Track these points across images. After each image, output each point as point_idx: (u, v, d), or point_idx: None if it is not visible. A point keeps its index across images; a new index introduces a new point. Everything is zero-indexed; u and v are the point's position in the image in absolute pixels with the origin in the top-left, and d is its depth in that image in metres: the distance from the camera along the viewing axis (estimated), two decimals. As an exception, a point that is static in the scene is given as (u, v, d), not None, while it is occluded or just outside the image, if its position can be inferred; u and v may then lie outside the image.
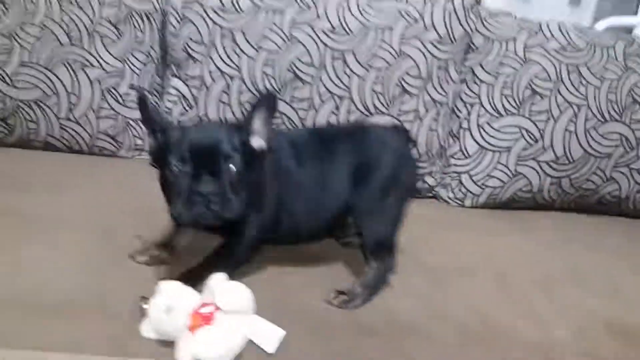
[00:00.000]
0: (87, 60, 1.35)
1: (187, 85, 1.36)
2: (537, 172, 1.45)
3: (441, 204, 1.50)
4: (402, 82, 1.39)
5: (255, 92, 1.34)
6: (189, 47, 1.34)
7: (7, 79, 1.31)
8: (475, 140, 1.46)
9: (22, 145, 1.39)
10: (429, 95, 1.41)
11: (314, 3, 1.37)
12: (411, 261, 1.11)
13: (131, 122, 1.41)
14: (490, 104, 1.44)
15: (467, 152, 1.46)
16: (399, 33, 1.38)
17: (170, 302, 0.81)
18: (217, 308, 0.82)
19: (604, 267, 1.22)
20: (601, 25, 2.15)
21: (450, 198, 1.49)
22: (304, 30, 1.34)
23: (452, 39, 1.41)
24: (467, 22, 1.43)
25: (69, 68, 1.34)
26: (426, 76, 1.40)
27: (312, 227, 1.01)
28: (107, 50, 1.37)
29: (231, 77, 1.33)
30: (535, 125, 1.43)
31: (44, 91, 1.33)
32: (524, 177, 1.46)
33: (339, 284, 0.98)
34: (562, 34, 1.46)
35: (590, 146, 1.46)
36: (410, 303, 0.98)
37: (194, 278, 0.89)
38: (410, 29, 1.39)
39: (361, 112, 1.38)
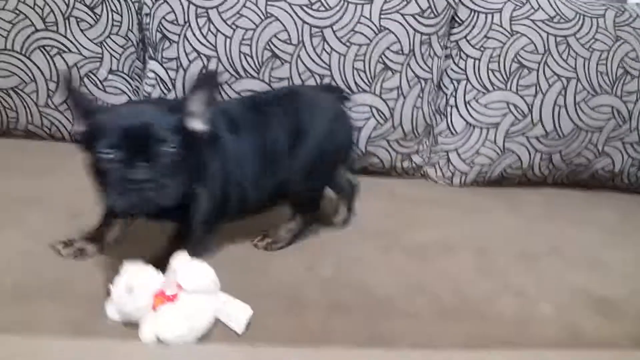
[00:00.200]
0: (64, 46, 1.34)
1: (163, 67, 1.33)
2: (527, 148, 1.42)
3: (429, 183, 1.47)
4: (384, 59, 1.35)
5: (233, 72, 1.32)
6: (164, 27, 1.31)
7: (-18, 67, 1.31)
8: (462, 117, 1.42)
9: (4, 134, 1.38)
10: (413, 71, 1.37)
11: (290, -22, 1.33)
12: (392, 239, 1.10)
13: (111, 107, 1.39)
14: (476, 79, 1.41)
15: (455, 130, 1.43)
16: (378, 7, 1.34)
17: (133, 282, 0.79)
18: (181, 288, 0.80)
19: (590, 241, 1.18)
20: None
21: (438, 177, 1.46)
22: (281, 7, 1.31)
23: (435, 12, 1.37)
24: (451, -6, 1.39)
25: (46, 54, 1.33)
26: (408, 51, 1.36)
27: (260, 197, 0.99)
28: (84, 35, 1.35)
29: (208, 58, 1.31)
30: (524, 99, 1.40)
31: (21, 78, 1.32)
32: (513, 154, 1.42)
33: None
34: (550, 3, 1.42)
35: (580, 120, 1.42)
36: (388, 280, 0.96)
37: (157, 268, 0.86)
38: (391, 2, 1.35)
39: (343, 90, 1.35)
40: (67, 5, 1.33)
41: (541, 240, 1.16)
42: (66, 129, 1.36)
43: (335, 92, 1.11)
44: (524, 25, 1.39)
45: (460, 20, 1.42)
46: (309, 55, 1.33)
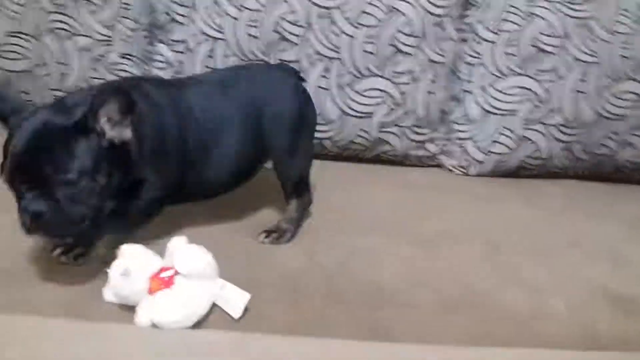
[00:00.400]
0: (74, 28, 1.33)
1: (172, 50, 1.32)
2: (546, 137, 1.36)
3: (444, 173, 1.43)
4: (395, 41, 1.31)
5: (240, 55, 1.29)
6: (172, 9, 1.30)
7: (-5, 49, 1.31)
8: (478, 104, 1.38)
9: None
10: (425, 54, 1.33)
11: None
12: (399, 229, 1.07)
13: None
14: (493, 63, 1.35)
15: (470, 117, 1.39)
16: (388, -15, 1.30)
17: (129, 265, 0.78)
18: (177, 272, 0.79)
19: (610, 236, 1.13)
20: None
21: (453, 166, 1.42)
22: (288, -14, 1.28)
23: (447, -8, 1.32)
24: (463, -27, 1.34)
25: (56, 37, 1.32)
26: (421, 34, 1.32)
27: (222, 179, 0.98)
28: (94, 18, 1.34)
29: (215, 40, 1.29)
30: (542, 85, 1.34)
31: (33, 61, 1.32)
32: (532, 143, 1.37)
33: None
34: (570, -16, 1.35)
35: (603, 108, 1.35)
36: (392, 271, 0.93)
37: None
38: (401, -18, 1.30)
39: (352, 74, 1.31)
40: (77, -12, 1.33)
41: (558, 233, 1.11)
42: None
43: (289, 70, 1.11)
44: (542, 7, 1.33)
45: (475, 1, 1.37)
46: (317, 38, 1.30)
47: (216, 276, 0.81)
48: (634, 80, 1.35)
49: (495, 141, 1.37)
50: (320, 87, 1.31)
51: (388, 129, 1.35)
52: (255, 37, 1.29)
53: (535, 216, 1.19)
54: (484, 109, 1.37)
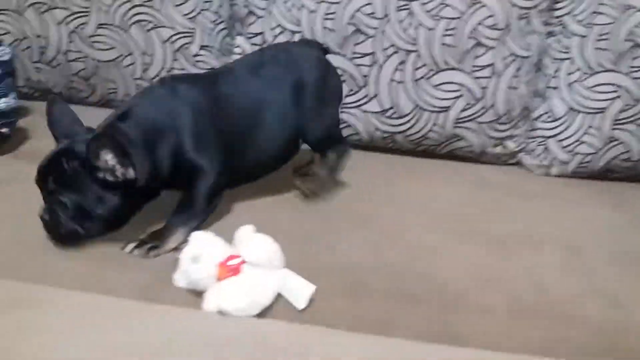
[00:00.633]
0: (158, 20, 1.38)
1: (249, 42, 1.34)
2: (638, 138, 1.27)
3: (523, 172, 1.36)
4: (477, 34, 1.26)
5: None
6: (252, 3, 1.32)
7: (87, 40, 1.38)
8: (564, 101, 1.30)
9: (104, 104, 1.46)
10: (508, 48, 1.27)
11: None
12: (472, 229, 1.03)
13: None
14: (582, 59, 1.27)
15: (555, 114, 1.31)
16: (472, -23, 1.25)
17: (198, 251, 0.80)
18: (245, 260, 0.80)
19: None
20: None
21: (534, 165, 1.35)
22: (366, -22, 1.25)
23: (537, -17, 1.25)
24: (555, -37, 1.26)
25: (142, 28, 1.38)
26: (504, 27, 1.26)
27: (269, 155, 1.03)
28: (177, 10, 1.38)
29: (292, 33, 1.29)
30: (636, 82, 1.24)
31: (119, 51, 1.39)
32: (621, 144, 1.27)
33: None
34: (673, -27, 1.24)
35: None
36: (462, 272, 0.90)
37: (159, 238, 0.89)
38: (486, -28, 1.24)
39: (429, 67, 1.27)
40: (162, -19, 1.37)
41: (647, 243, 1.03)
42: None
43: (313, 43, 1.18)
44: (641, -2, 1.23)
45: (565, -7, 1.29)
46: (394, 30, 1.27)
47: (282, 266, 0.82)
48: None
49: (580, 140, 1.29)
50: (393, 80, 1.29)
51: (464, 125, 1.31)
52: (331, 29, 1.28)
53: (622, 222, 1.11)
54: (570, 107, 1.29)
